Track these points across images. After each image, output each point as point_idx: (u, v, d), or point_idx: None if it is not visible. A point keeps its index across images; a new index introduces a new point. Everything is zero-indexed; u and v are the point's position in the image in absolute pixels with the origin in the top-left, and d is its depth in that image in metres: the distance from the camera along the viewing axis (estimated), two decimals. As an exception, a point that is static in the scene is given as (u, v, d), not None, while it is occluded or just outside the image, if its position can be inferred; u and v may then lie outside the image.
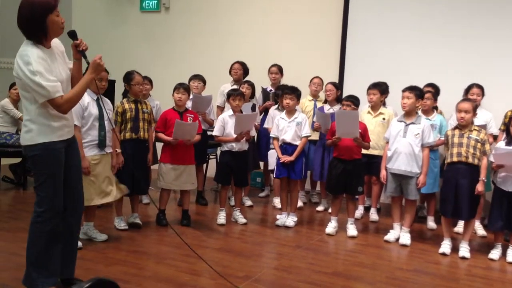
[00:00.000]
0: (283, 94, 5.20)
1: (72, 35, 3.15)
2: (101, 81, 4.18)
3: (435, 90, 5.39)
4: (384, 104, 5.72)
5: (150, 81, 5.80)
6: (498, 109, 5.33)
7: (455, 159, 4.45)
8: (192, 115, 5.10)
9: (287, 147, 5.12)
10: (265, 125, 5.85)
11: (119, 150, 4.58)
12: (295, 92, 5.14)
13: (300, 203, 5.93)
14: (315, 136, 5.89)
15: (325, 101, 5.96)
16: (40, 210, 3.03)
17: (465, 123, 4.47)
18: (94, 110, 4.19)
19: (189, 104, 5.40)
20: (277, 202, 5.86)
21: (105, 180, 4.29)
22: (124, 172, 4.62)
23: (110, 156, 4.37)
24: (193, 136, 4.93)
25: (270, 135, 5.32)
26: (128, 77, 4.81)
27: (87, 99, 4.16)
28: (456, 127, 4.56)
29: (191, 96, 5.46)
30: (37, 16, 2.89)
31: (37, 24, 2.91)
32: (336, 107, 5.71)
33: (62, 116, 3.05)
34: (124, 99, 4.86)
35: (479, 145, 4.42)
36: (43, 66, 2.88)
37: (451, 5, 6.31)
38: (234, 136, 4.98)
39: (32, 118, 2.97)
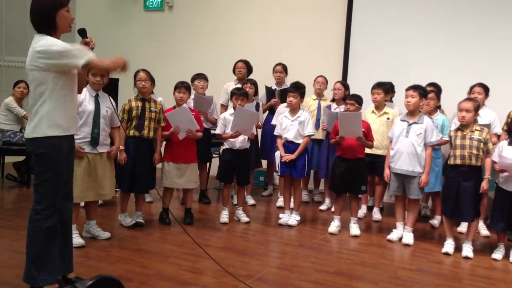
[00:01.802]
0: (287, 92, 5.19)
1: (82, 33, 3.23)
2: (95, 76, 4.15)
3: (437, 89, 5.38)
4: (391, 102, 5.72)
5: (153, 80, 5.77)
6: (503, 109, 5.31)
7: (458, 161, 4.44)
8: (193, 113, 5.09)
9: (289, 145, 5.12)
10: (273, 122, 5.83)
11: (122, 147, 4.59)
12: (298, 90, 5.13)
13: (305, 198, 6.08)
14: (321, 135, 5.88)
15: (333, 100, 5.96)
16: (39, 208, 3.04)
17: (466, 123, 4.45)
18: (90, 106, 4.14)
19: (190, 103, 5.39)
20: (281, 201, 5.87)
21: (88, 180, 4.19)
22: (125, 169, 4.64)
23: (103, 157, 4.27)
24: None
25: (274, 133, 5.31)
26: (134, 75, 4.84)
27: (84, 95, 4.11)
28: (458, 128, 4.55)
29: (192, 95, 5.46)
30: (48, 10, 2.98)
31: (48, 18, 2.99)
32: (343, 106, 5.70)
33: (72, 115, 3.12)
34: (133, 97, 4.86)
35: (481, 145, 4.40)
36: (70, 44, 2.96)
37: (455, 5, 6.28)
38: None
39: (45, 111, 2.99)
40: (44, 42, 2.95)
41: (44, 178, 3.03)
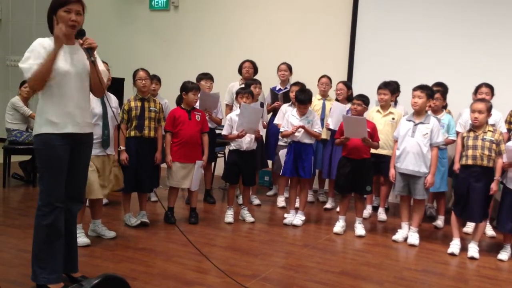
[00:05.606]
0: (297, 101, 5.13)
1: (79, 34, 3.17)
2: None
3: (443, 89, 5.35)
4: (395, 103, 5.70)
5: (159, 80, 5.79)
6: (508, 109, 5.30)
7: (470, 162, 4.41)
8: (200, 113, 5.10)
9: (295, 146, 5.10)
10: (276, 121, 5.82)
11: (123, 148, 4.60)
12: (309, 100, 5.09)
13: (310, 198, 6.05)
14: (325, 135, 5.87)
15: (336, 100, 5.95)
16: (40, 204, 3.10)
17: (478, 124, 4.42)
18: (98, 108, 4.11)
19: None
20: (280, 200, 5.90)
21: (98, 181, 4.21)
22: (127, 170, 4.64)
23: (110, 158, 4.30)
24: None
25: (280, 129, 5.28)
26: (133, 74, 4.83)
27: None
28: (470, 129, 4.52)
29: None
30: (50, 10, 3.06)
31: (49, 18, 3.07)
32: (347, 106, 5.68)
33: (68, 112, 3.07)
34: (132, 96, 4.86)
35: (494, 146, 4.38)
36: (38, 51, 2.99)
37: (460, 5, 6.27)
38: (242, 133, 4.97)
39: (39, 110, 3.08)
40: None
41: (40, 174, 3.14)
